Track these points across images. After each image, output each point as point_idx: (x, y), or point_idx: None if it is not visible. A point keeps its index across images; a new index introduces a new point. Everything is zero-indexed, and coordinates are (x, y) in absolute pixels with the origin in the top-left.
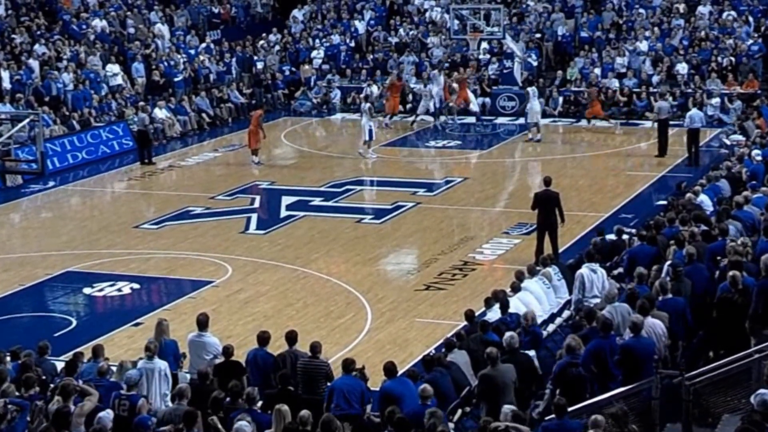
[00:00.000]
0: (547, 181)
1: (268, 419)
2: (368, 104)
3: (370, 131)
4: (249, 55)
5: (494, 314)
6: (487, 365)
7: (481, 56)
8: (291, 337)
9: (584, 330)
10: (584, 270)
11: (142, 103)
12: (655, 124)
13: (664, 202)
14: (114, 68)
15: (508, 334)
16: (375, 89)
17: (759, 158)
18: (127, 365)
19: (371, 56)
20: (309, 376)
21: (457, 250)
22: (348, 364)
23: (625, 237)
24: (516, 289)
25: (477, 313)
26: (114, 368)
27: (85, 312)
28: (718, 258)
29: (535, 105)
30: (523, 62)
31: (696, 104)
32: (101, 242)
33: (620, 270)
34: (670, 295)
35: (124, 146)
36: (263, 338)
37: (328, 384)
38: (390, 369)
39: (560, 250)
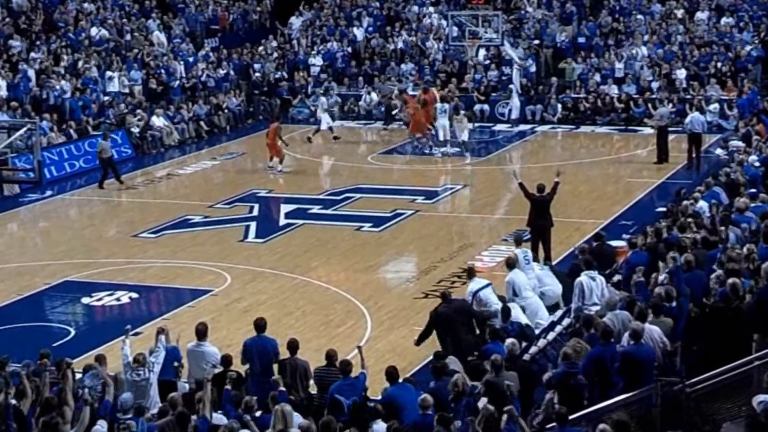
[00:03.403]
0: (540, 189)
1: (267, 419)
2: (454, 104)
3: (453, 132)
4: (247, 63)
5: (475, 284)
6: (491, 372)
7: (480, 63)
8: (292, 346)
9: (584, 338)
10: (583, 278)
11: (142, 111)
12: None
13: (664, 209)
14: (112, 76)
15: (508, 340)
16: (374, 96)
17: (758, 164)
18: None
19: (369, 63)
20: (324, 383)
21: (456, 257)
22: (344, 366)
23: (617, 243)
24: (511, 266)
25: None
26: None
27: (84, 322)
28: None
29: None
30: (521, 69)
31: (696, 108)
32: (99, 251)
33: (619, 277)
34: (674, 304)
35: (123, 154)
36: (260, 325)
37: None
38: (392, 374)
39: (560, 258)
